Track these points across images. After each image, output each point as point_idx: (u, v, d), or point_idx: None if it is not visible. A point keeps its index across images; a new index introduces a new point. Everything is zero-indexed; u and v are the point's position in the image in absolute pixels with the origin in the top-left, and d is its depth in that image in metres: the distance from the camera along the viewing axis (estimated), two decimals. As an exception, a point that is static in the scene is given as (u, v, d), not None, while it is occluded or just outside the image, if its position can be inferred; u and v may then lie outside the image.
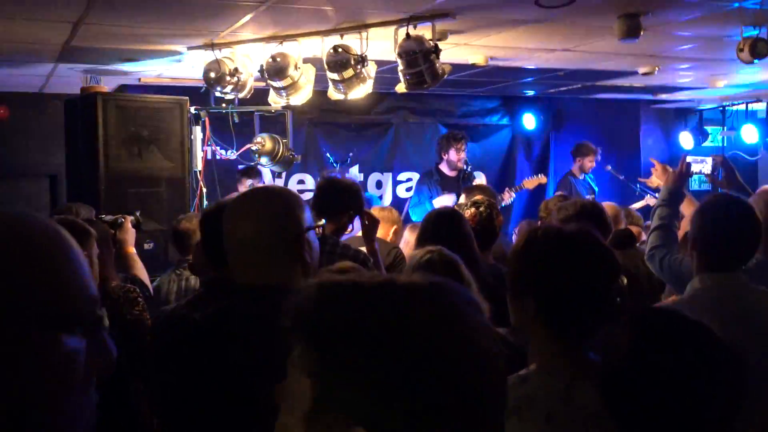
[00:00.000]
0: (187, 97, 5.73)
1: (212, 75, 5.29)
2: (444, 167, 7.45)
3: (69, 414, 0.88)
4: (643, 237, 5.60)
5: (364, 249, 3.73)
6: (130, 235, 4.26)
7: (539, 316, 1.85)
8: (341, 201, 3.83)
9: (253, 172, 7.22)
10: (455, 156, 7.33)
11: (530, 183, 7.90)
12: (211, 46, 5.30)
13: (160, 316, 2.70)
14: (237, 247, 2.07)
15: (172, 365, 2.09)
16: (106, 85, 6.19)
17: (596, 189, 8.49)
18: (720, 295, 2.49)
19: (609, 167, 8.79)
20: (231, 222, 2.10)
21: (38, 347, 0.85)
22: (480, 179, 7.76)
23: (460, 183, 7.40)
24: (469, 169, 7.30)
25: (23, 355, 0.84)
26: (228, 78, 5.29)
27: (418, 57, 4.65)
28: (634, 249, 4.61)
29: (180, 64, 6.11)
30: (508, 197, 7.47)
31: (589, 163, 8.48)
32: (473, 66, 6.37)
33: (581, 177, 8.59)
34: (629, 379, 1.57)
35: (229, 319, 2.03)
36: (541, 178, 8.04)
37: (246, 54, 5.39)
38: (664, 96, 9.34)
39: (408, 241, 4.56)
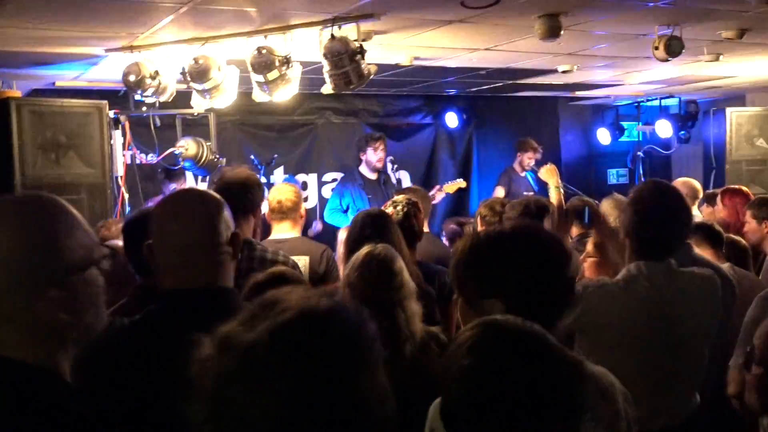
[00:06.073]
0: (106, 101, 5.58)
1: (132, 78, 5.15)
2: (364, 169, 7.43)
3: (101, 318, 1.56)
4: None
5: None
6: None
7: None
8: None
9: (176, 176, 7.08)
10: (373, 156, 7.31)
11: (450, 187, 7.94)
12: (131, 48, 5.15)
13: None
14: (167, 249, 2.02)
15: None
16: (19, 89, 5.96)
17: (535, 188, 8.30)
18: (655, 280, 2.68)
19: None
20: (163, 224, 2.05)
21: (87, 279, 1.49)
22: (403, 180, 7.73)
23: (382, 186, 7.42)
24: (392, 169, 7.31)
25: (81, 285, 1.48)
26: (149, 81, 5.16)
27: (344, 58, 4.63)
28: None
29: (98, 67, 5.93)
30: (438, 196, 7.46)
31: (528, 159, 8.53)
32: (397, 66, 6.39)
33: (522, 174, 8.64)
34: (465, 398, 1.46)
35: (156, 324, 1.97)
36: (460, 182, 8.03)
37: (167, 56, 5.26)
38: (581, 93, 9.56)
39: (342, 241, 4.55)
